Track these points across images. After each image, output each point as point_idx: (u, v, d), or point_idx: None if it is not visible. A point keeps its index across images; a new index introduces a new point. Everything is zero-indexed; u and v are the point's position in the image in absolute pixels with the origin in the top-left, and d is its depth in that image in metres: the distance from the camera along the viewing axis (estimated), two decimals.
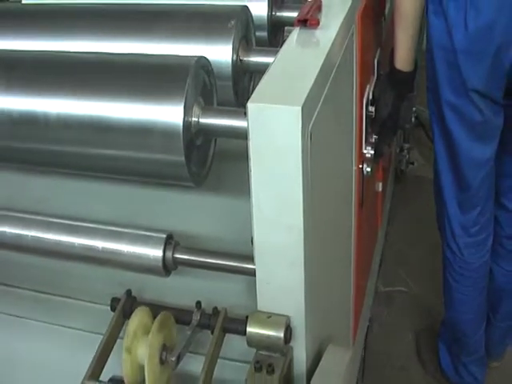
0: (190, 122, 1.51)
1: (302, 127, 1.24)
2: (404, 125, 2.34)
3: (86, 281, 1.68)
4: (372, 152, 2.15)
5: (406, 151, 3.59)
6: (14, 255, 1.60)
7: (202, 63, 1.59)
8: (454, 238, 2.39)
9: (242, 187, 1.42)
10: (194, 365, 1.45)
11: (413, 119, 3.55)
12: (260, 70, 1.79)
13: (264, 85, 1.34)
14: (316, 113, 1.36)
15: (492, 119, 2.14)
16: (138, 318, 1.41)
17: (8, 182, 1.90)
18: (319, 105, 1.38)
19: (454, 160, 2.24)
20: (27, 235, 1.55)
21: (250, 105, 1.26)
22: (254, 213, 1.33)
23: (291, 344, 1.40)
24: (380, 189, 2.70)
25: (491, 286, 2.54)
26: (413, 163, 3.67)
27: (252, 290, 1.41)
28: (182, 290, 1.57)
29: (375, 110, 2.16)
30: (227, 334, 1.47)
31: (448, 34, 1.97)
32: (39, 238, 1.54)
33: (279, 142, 1.26)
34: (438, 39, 2.02)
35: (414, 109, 3.43)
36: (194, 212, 1.76)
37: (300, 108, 1.22)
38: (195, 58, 1.56)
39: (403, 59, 2.15)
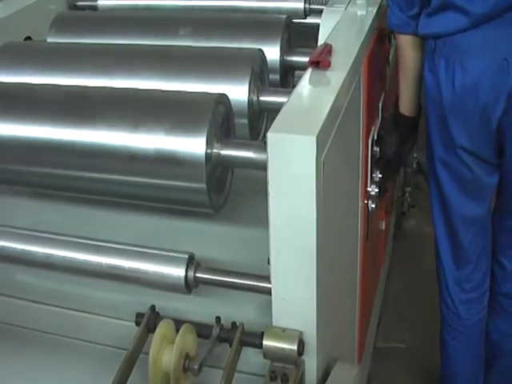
0: (211, 154, 1.65)
1: (317, 155, 1.38)
2: (406, 164, 2.43)
3: (111, 298, 1.79)
4: (376, 190, 2.28)
5: (407, 194, 3.72)
6: (44, 273, 1.73)
7: (223, 100, 1.74)
8: (448, 293, 2.36)
9: (254, 218, 1.60)
10: (213, 377, 1.56)
11: (414, 165, 3.70)
12: (273, 109, 1.95)
13: (282, 117, 1.47)
14: (328, 144, 1.49)
15: (483, 178, 2.15)
16: (164, 328, 1.52)
17: (39, 208, 2.04)
18: (331, 137, 1.52)
19: (446, 215, 2.25)
20: (57, 255, 1.67)
21: (269, 134, 1.39)
22: (271, 234, 1.46)
23: (303, 357, 1.51)
24: (383, 227, 2.82)
25: (486, 340, 2.48)
26: (414, 206, 3.79)
27: (267, 307, 1.53)
28: (202, 306, 1.68)
29: (380, 150, 2.29)
30: (243, 350, 1.58)
31: (438, 90, 2.03)
32: (68, 257, 1.66)
33: (295, 168, 1.39)
34: (431, 95, 2.08)
35: (415, 154, 3.59)
36: (212, 239, 1.88)
37: (315, 137, 1.36)
38: (216, 95, 1.71)
39: (406, 105, 2.26)
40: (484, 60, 1.93)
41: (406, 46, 2.15)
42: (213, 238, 1.88)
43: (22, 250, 1.70)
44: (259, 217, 1.52)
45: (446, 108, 2.03)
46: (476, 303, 2.38)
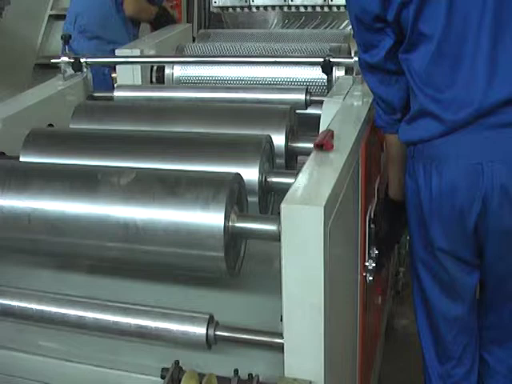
0: (228, 226, 1.86)
1: (324, 223, 1.59)
2: (399, 244, 2.58)
3: (138, 355, 1.96)
4: (373, 264, 2.46)
5: (401, 274, 3.92)
6: (74, 334, 1.92)
7: (238, 179, 1.96)
8: None
9: (265, 283, 1.83)
10: None
11: (407, 246, 3.89)
12: (279, 189, 2.17)
13: (293, 191, 1.70)
14: (333, 216, 1.71)
15: (463, 278, 2.23)
16: (188, 379, 1.70)
17: (73, 278, 2.26)
18: (335, 210, 1.74)
19: (429, 313, 2.33)
20: (90, 317, 1.86)
21: (283, 205, 1.62)
22: (283, 294, 1.66)
23: None
24: (379, 301, 3.01)
25: None
26: (408, 284, 3.96)
27: (279, 359, 1.71)
28: (221, 360, 1.87)
29: (375, 228, 2.48)
30: None
31: (417, 194, 2.14)
32: (100, 319, 1.85)
33: (306, 234, 1.61)
34: (411, 199, 2.20)
35: (408, 237, 3.78)
36: (227, 302, 2.07)
37: (323, 208, 1.59)
38: (233, 174, 1.94)
39: (394, 191, 2.45)
40: (459, 165, 2.04)
41: (392, 143, 2.34)
42: (228, 301, 2.07)
43: (56, 313, 1.89)
44: (270, 282, 1.75)
45: (424, 212, 2.14)
46: None
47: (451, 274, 2.23)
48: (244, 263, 2.02)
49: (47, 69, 3.26)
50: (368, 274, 2.42)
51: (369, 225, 2.41)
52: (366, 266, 2.41)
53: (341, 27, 4.32)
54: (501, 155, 2.01)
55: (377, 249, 2.49)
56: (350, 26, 4.04)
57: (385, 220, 2.49)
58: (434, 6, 2.00)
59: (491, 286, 2.30)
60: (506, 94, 1.98)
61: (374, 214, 2.47)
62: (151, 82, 3.40)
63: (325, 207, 1.60)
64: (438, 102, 2.06)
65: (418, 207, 2.17)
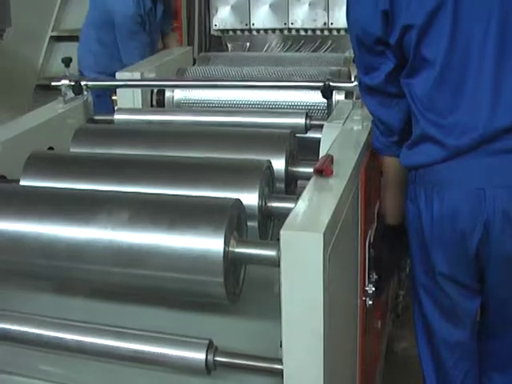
0: (228, 251, 1.86)
1: (324, 250, 1.59)
2: (400, 268, 2.59)
3: (136, 380, 1.96)
4: (373, 289, 2.46)
5: (401, 297, 3.92)
6: (73, 358, 1.91)
7: (237, 204, 1.96)
8: None
9: (264, 309, 1.85)
10: None
11: (407, 269, 3.89)
12: (279, 213, 2.17)
13: (293, 217, 1.70)
14: (332, 242, 1.71)
15: (463, 303, 2.22)
16: None
17: (72, 302, 2.26)
18: (334, 236, 1.74)
19: (430, 338, 2.32)
20: (88, 342, 1.86)
21: (282, 232, 1.62)
22: (283, 319, 1.66)
23: None
24: (379, 325, 3.00)
25: None
26: (408, 308, 3.96)
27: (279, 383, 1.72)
28: None
29: (375, 252, 2.48)
30: None
31: (419, 219, 2.13)
32: (99, 344, 1.85)
33: (305, 261, 1.61)
34: (412, 224, 2.19)
35: (408, 260, 3.78)
36: (226, 328, 2.07)
37: (322, 234, 1.59)
38: (233, 200, 1.94)
39: (392, 216, 2.44)
40: (461, 190, 2.05)
41: (389, 167, 2.35)
42: (227, 326, 2.07)
43: (55, 338, 1.89)
44: (269, 307, 1.75)
45: (426, 236, 2.14)
46: None
47: (452, 299, 2.22)
48: (244, 288, 2.02)
49: (48, 90, 3.27)
50: (368, 299, 2.42)
51: (368, 249, 2.41)
52: (365, 290, 2.41)
53: (341, 51, 4.33)
54: (503, 181, 2.02)
55: (377, 274, 2.49)
56: (350, 50, 4.12)
57: (384, 245, 2.49)
58: (437, 31, 2.02)
59: (492, 312, 2.29)
60: (510, 121, 1.99)
61: (374, 239, 2.48)
62: (151, 104, 3.41)
63: (324, 234, 1.60)
64: (440, 127, 2.07)
65: (420, 231, 2.17)
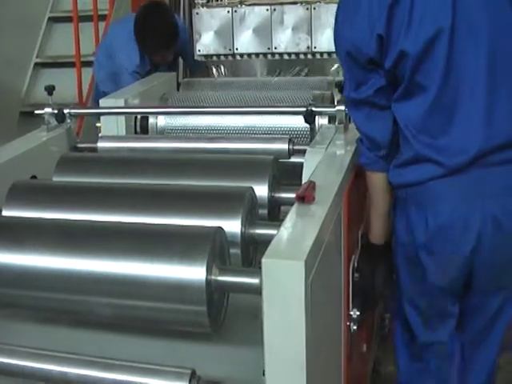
0: (211, 280, 1.86)
1: (305, 278, 1.59)
2: (383, 291, 2.61)
3: None
4: (357, 313, 2.46)
5: (387, 321, 3.91)
6: None
7: (219, 232, 1.96)
8: None
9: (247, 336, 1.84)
10: None
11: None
12: (262, 240, 2.17)
13: (274, 245, 1.71)
14: (314, 269, 1.71)
15: (447, 309, 2.34)
16: None
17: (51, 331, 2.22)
18: (316, 263, 1.74)
19: (411, 346, 2.45)
20: (71, 372, 1.84)
21: (264, 260, 1.62)
22: (265, 348, 1.65)
23: None
24: (364, 349, 2.99)
25: None
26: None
27: None
28: None
29: (359, 277, 2.48)
30: None
31: (410, 233, 2.22)
32: (82, 374, 1.83)
33: (287, 289, 1.61)
34: (399, 237, 2.29)
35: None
36: (209, 356, 2.06)
37: (304, 262, 1.59)
38: (214, 228, 1.94)
39: (375, 233, 2.46)
40: (454, 202, 2.14)
41: (376, 183, 2.36)
42: (210, 354, 2.06)
43: (38, 369, 1.87)
44: (253, 334, 1.75)
45: (418, 249, 2.22)
46: None
47: (438, 306, 2.31)
48: (227, 315, 2.01)
49: (33, 117, 3.27)
50: (352, 323, 2.42)
51: (352, 274, 2.41)
52: (350, 315, 2.41)
53: (324, 74, 4.35)
54: (492, 190, 2.11)
55: (362, 298, 2.49)
56: (334, 73, 4.15)
57: (368, 265, 2.49)
58: (434, 59, 2.08)
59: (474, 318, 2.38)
60: (501, 141, 2.09)
61: (358, 264, 2.48)
62: (136, 131, 3.41)
63: (306, 261, 1.60)
64: (433, 148, 2.13)
65: (410, 245, 2.23)
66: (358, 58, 2.16)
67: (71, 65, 5.50)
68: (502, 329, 2.39)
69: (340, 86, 2.86)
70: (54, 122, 3.08)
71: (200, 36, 4.44)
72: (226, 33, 4.41)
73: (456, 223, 2.14)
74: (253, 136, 3.16)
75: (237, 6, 4.37)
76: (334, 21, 2.25)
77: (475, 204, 2.11)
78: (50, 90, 3.11)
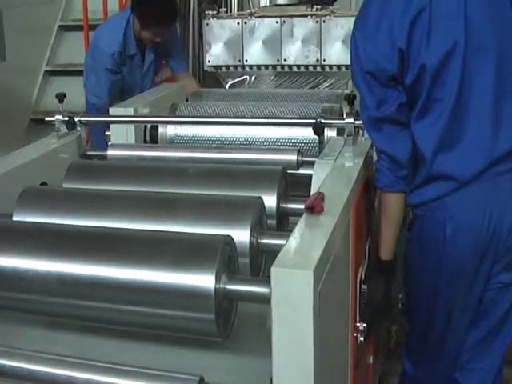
0: (219, 288, 1.87)
1: (314, 287, 1.60)
2: (392, 305, 2.64)
3: None
4: (364, 325, 2.47)
5: (393, 333, 3.91)
6: None
7: (229, 241, 1.97)
8: None
9: (255, 346, 1.87)
10: None
11: (400, 305, 3.89)
12: (271, 250, 2.18)
13: (283, 255, 1.72)
14: (322, 279, 1.72)
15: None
16: None
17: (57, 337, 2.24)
18: (325, 273, 1.75)
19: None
20: (78, 377, 1.85)
21: (273, 269, 1.63)
22: (273, 356, 1.66)
23: None
24: (371, 361, 3.00)
25: None
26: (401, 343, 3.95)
27: None
28: None
29: (367, 289, 2.49)
30: None
31: (428, 245, 2.36)
32: (87, 379, 1.85)
33: (295, 298, 1.62)
34: (413, 251, 2.46)
35: (400, 295, 3.79)
36: (218, 365, 2.07)
37: (312, 272, 1.60)
38: (224, 237, 1.95)
39: (387, 250, 2.51)
40: (469, 212, 2.24)
41: (393, 204, 2.41)
42: (219, 362, 2.07)
43: (46, 373, 1.88)
44: (260, 344, 1.76)
45: (439, 255, 2.33)
46: None
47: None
48: (236, 323, 2.02)
49: (42, 124, 3.29)
50: (359, 335, 2.43)
51: (360, 285, 2.42)
52: (357, 326, 2.42)
53: (333, 87, 4.37)
54: (503, 198, 2.23)
55: (370, 311, 2.50)
56: (342, 87, 4.16)
57: (383, 282, 2.54)
58: (450, 71, 2.16)
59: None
60: (509, 148, 2.19)
61: (365, 276, 2.49)
62: (145, 140, 3.43)
63: (314, 271, 1.61)
64: (447, 164, 2.23)
65: (429, 254, 2.35)
66: (380, 75, 2.21)
67: (81, 73, 5.52)
68: None
69: (349, 99, 2.90)
70: (64, 129, 3.10)
71: (210, 47, 4.46)
72: (236, 44, 4.43)
73: (472, 230, 2.24)
74: (262, 147, 3.17)
75: (247, 17, 4.39)
76: (349, 41, 2.33)
77: (485, 211, 2.22)
78: (61, 97, 3.13)
